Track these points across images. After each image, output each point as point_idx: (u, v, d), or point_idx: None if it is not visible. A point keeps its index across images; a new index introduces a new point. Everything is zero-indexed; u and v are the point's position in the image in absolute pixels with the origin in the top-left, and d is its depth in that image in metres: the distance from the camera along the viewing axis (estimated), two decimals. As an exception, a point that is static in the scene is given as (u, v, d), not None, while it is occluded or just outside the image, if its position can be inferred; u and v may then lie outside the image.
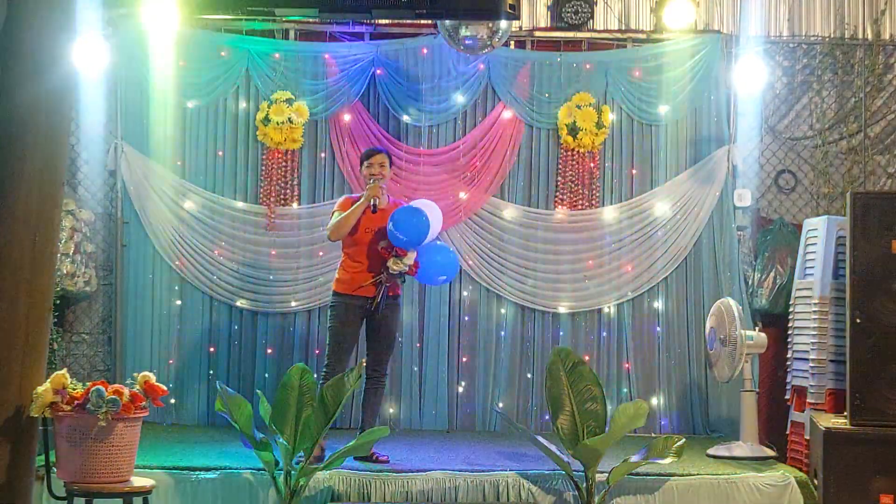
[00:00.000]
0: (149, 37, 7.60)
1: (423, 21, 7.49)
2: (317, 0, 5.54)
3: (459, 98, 7.84)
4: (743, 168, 7.91)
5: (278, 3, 5.56)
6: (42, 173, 4.81)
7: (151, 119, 7.76)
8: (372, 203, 6.11)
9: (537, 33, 7.96)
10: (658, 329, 7.85)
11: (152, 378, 5.00)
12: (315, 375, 5.67)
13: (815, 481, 6.10)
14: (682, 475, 5.97)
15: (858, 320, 6.08)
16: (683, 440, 5.73)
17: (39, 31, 4.79)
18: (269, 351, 7.76)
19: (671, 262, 7.85)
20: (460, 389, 7.82)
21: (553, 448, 5.69)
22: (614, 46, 7.96)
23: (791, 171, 8.02)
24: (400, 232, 6.03)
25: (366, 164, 6.30)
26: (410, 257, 6.12)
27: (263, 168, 7.80)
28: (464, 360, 7.83)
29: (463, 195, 7.82)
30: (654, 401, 7.72)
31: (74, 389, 4.78)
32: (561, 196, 7.86)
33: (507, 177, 7.90)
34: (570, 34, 7.85)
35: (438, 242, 6.43)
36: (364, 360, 6.39)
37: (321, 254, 7.69)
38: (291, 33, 7.91)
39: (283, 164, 7.77)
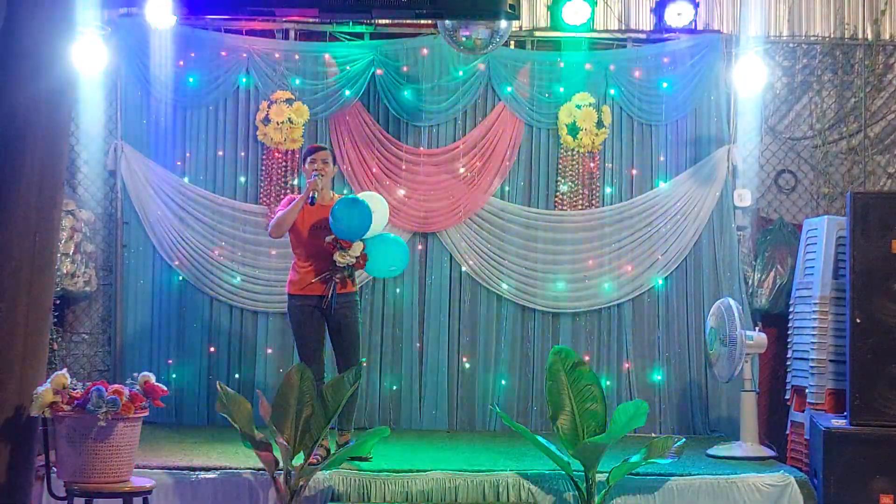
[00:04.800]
0: (149, 37, 7.61)
1: (423, 21, 7.49)
2: (317, 0, 5.53)
3: (459, 98, 7.84)
4: (743, 168, 7.91)
5: (278, 3, 5.56)
6: (42, 173, 4.81)
7: (151, 119, 7.78)
8: (311, 196, 6.06)
9: (537, 33, 7.96)
10: (658, 329, 7.85)
11: (152, 378, 5.00)
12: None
13: (815, 481, 6.10)
14: (682, 475, 5.97)
15: (858, 320, 6.08)
16: (683, 440, 5.73)
17: (39, 31, 4.79)
18: (269, 351, 7.76)
19: (671, 262, 7.85)
20: (460, 389, 7.82)
21: (553, 448, 5.69)
22: (614, 46, 7.96)
23: (791, 171, 8.02)
24: (341, 223, 5.98)
25: (308, 159, 6.25)
26: (356, 249, 6.06)
27: (263, 168, 7.81)
28: (464, 360, 7.83)
29: (463, 195, 7.82)
30: (654, 401, 7.72)
31: (74, 389, 4.78)
32: (561, 196, 7.87)
33: (507, 177, 7.90)
34: (570, 34, 7.84)
35: (388, 234, 6.39)
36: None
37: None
38: (291, 33, 7.91)
39: (283, 164, 7.77)
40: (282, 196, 7.72)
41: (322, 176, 6.16)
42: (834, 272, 6.72)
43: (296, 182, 7.78)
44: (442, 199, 7.82)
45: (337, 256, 6.05)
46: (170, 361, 7.72)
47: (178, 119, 7.81)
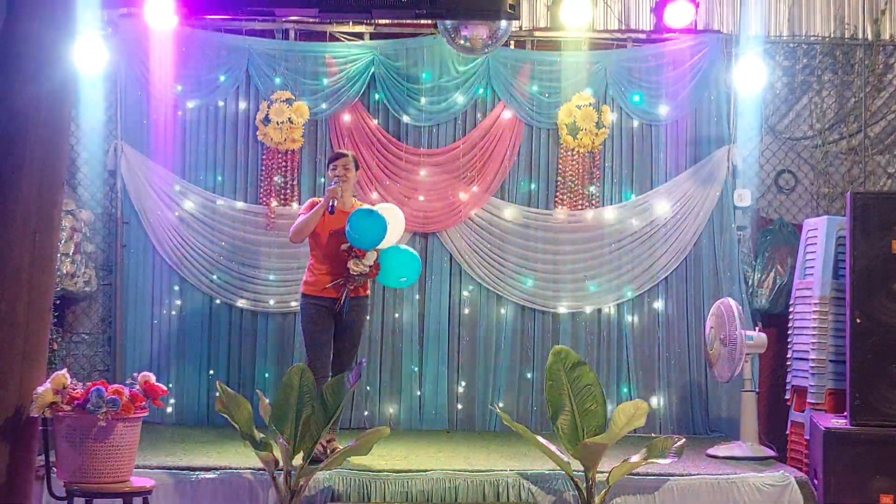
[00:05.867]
0: (149, 37, 7.61)
1: (423, 21, 7.50)
2: (317, 0, 5.54)
3: (459, 98, 7.85)
4: (743, 168, 7.91)
5: (278, 3, 5.56)
6: (42, 173, 4.81)
7: (151, 119, 7.78)
8: (330, 204, 6.17)
9: (537, 33, 7.96)
10: (658, 329, 7.86)
11: (152, 378, 5.01)
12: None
13: (815, 481, 6.10)
14: (682, 475, 5.97)
15: (858, 320, 6.08)
16: (683, 440, 5.72)
17: (39, 31, 4.79)
18: (269, 351, 7.76)
19: (671, 262, 7.85)
20: (460, 389, 7.82)
21: (553, 448, 5.68)
22: (614, 46, 7.96)
23: (791, 171, 8.02)
24: (356, 232, 6.12)
25: (330, 166, 6.38)
26: (370, 258, 6.19)
27: (263, 168, 7.81)
28: (464, 360, 7.83)
29: (463, 195, 7.82)
30: (654, 401, 7.72)
31: (74, 389, 4.79)
32: (561, 196, 7.87)
33: (507, 177, 7.90)
34: (570, 34, 7.84)
35: (401, 245, 6.53)
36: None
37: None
38: (291, 33, 7.91)
39: (283, 164, 7.78)
40: (282, 195, 7.75)
41: (343, 182, 6.27)
42: (834, 272, 6.72)
43: (296, 182, 7.78)
44: (442, 199, 7.83)
45: (351, 265, 6.16)
46: (170, 361, 7.72)
47: (178, 119, 7.81)
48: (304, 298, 6.31)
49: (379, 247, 6.25)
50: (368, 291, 6.44)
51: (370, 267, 6.20)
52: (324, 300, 6.23)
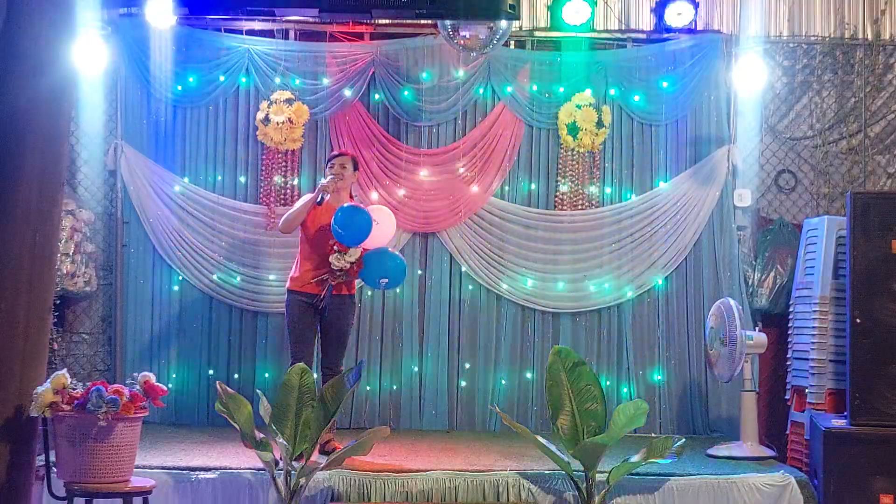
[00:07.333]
0: (149, 37, 7.61)
1: (423, 21, 7.49)
2: (317, 0, 5.54)
3: (459, 98, 7.84)
4: (743, 168, 7.91)
5: (278, 3, 5.56)
6: (42, 173, 4.81)
7: (151, 119, 7.78)
8: (320, 196, 6.25)
9: (537, 33, 7.96)
10: (658, 328, 7.86)
11: (152, 378, 5.01)
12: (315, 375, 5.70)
13: (815, 481, 6.10)
14: (682, 475, 5.98)
15: (858, 320, 6.09)
16: (683, 440, 5.73)
17: (39, 31, 4.79)
18: (269, 351, 7.76)
19: (671, 262, 7.85)
20: (460, 389, 7.82)
21: (553, 448, 5.69)
22: (614, 46, 7.96)
23: (791, 171, 8.02)
24: (340, 227, 6.15)
25: (329, 164, 6.51)
26: (352, 255, 6.22)
27: (263, 168, 7.81)
28: (464, 360, 7.83)
29: (463, 195, 7.82)
30: (654, 401, 7.72)
31: (74, 389, 4.79)
32: (561, 196, 7.86)
33: (507, 177, 7.90)
34: (570, 34, 7.84)
35: (389, 250, 6.58)
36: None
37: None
38: (291, 33, 7.91)
39: (283, 164, 7.78)
40: (282, 195, 7.76)
41: (338, 179, 6.35)
42: (834, 272, 6.73)
43: (296, 182, 7.79)
44: (442, 199, 7.82)
45: (332, 259, 6.22)
46: (170, 361, 7.72)
47: (178, 119, 7.81)
48: (288, 294, 6.41)
49: (365, 246, 6.27)
50: (354, 291, 6.49)
51: (351, 264, 6.22)
52: (306, 296, 6.30)
